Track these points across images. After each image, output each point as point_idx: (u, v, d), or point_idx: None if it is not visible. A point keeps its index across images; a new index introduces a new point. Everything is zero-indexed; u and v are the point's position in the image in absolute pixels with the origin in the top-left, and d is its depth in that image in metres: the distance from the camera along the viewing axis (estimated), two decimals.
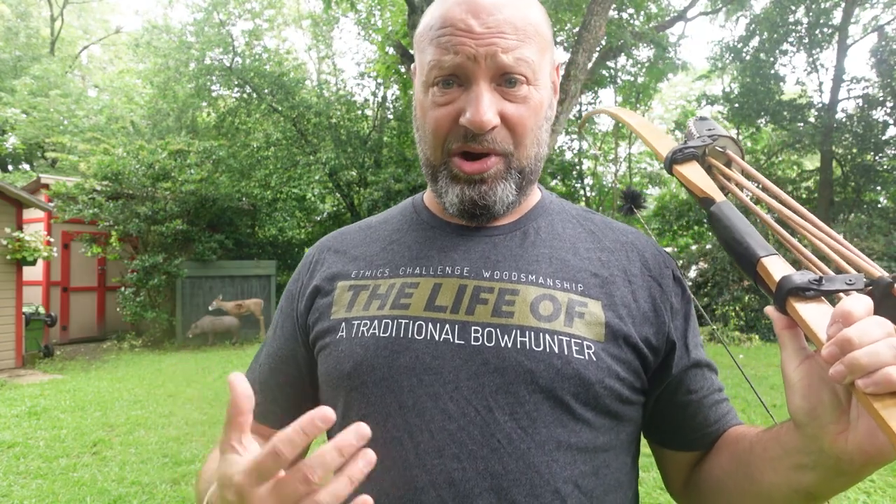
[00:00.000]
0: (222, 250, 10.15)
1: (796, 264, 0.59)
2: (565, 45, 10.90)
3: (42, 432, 4.56)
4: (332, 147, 12.29)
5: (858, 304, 0.45)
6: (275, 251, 12.78)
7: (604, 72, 11.74)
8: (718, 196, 0.66)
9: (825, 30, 11.87)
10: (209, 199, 10.26)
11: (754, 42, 12.50)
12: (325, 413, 0.44)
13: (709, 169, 0.73)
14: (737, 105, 12.54)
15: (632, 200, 1.01)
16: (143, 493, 3.42)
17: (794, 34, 12.23)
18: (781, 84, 12.52)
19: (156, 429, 4.66)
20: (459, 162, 0.67)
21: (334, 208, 14.16)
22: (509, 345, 0.61)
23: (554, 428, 0.60)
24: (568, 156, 15.27)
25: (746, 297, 9.25)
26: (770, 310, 0.54)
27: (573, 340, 0.62)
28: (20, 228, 7.44)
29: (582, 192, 15.76)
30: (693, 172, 0.71)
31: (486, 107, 0.62)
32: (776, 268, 0.54)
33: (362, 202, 12.09)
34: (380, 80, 13.43)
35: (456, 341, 0.63)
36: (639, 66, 11.58)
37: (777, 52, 12.27)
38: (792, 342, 0.53)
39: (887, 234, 9.46)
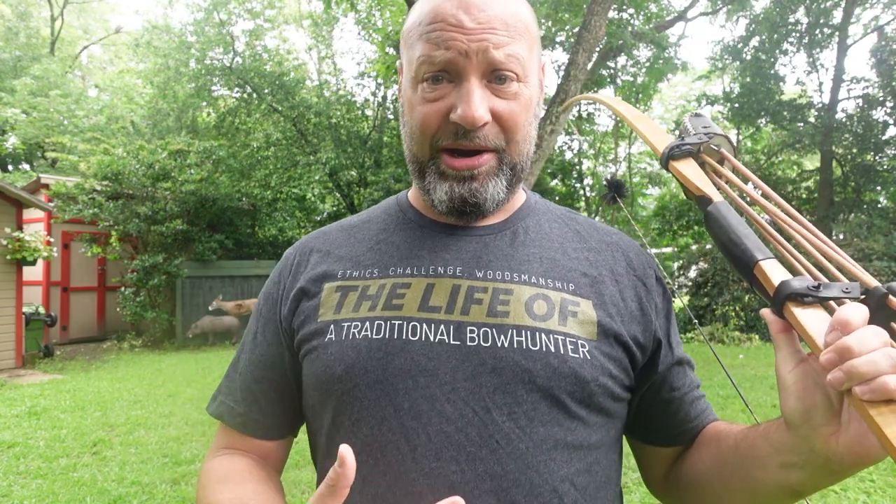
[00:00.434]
0: (222, 250, 10.16)
1: (788, 268, 0.59)
2: (565, 45, 10.89)
3: (42, 432, 4.56)
4: (332, 147, 12.27)
5: (856, 313, 0.46)
6: (275, 251, 12.77)
7: (604, 72, 11.73)
8: (716, 195, 0.66)
9: (825, 30, 11.85)
10: (209, 199, 10.27)
11: (754, 42, 12.48)
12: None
13: (702, 166, 0.73)
14: (737, 105, 12.53)
15: (616, 189, 1.02)
16: (143, 493, 3.41)
17: (794, 34, 12.21)
18: (781, 84, 12.50)
19: (156, 429, 4.66)
20: (448, 158, 0.66)
21: (334, 208, 14.15)
22: (506, 344, 0.61)
23: (551, 427, 0.60)
24: (568, 156, 15.28)
25: (746, 297, 9.24)
26: (767, 313, 0.54)
27: (568, 339, 0.62)
28: (20, 228, 7.44)
29: (582, 192, 15.76)
30: (690, 170, 0.70)
31: (478, 103, 0.62)
32: (774, 272, 0.54)
33: (362, 202, 12.10)
34: (380, 80, 13.42)
35: (451, 342, 0.62)
36: (639, 66, 11.57)
37: (777, 52, 12.25)
38: (787, 345, 0.53)
39: (887, 234, 9.46)
